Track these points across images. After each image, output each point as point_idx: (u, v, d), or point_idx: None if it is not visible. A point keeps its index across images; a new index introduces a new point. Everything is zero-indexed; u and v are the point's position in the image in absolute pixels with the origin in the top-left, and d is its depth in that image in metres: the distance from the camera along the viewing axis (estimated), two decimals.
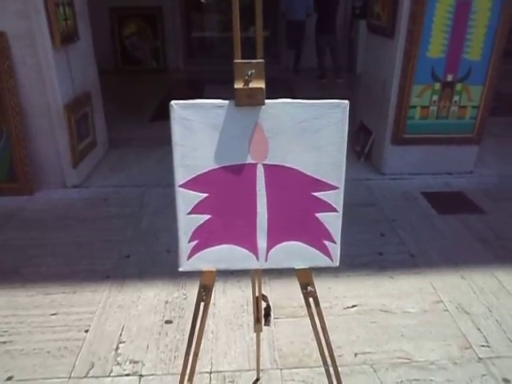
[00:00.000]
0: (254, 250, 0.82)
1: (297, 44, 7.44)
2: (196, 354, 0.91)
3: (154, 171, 3.56)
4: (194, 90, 6.64)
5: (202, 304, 0.86)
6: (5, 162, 3.12)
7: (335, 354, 1.83)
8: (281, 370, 1.79)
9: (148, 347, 1.89)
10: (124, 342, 1.91)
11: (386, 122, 3.41)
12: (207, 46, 9.56)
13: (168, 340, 1.93)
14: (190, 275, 2.30)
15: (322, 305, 2.08)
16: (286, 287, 2.22)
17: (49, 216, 2.92)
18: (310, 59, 7.33)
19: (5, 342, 1.91)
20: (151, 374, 1.76)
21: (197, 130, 0.76)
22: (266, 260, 0.85)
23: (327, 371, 1.15)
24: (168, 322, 2.03)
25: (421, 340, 1.94)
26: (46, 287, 2.24)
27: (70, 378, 1.74)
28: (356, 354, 1.87)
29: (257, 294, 1.16)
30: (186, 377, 0.88)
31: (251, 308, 1.69)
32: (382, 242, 2.69)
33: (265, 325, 1.24)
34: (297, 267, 0.87)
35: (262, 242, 0.82)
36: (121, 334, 1.95)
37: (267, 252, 0.84)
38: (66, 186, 3.28)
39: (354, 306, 2.15)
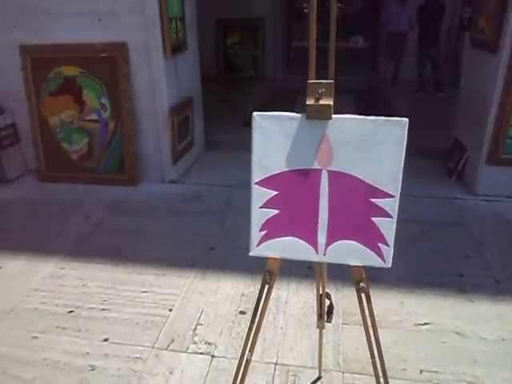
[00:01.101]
0: (314, 244, 0.93)
1: (397, 55, 7.29)
2: (258, 328, 1.04)
3: (243, 173, 3.74)
4: (287, 99, 6.83)
5: (266, 286, 0.98)
6: (117, 156, 3.56)
7: (399, 367, 1.87)
8: (343, 373, 1.86)
9: (222, 332, 2.07)
10: (201, 324, 2.12)
11: (483, 140, 3.26)
12: (305, 56, 9.74)
13: (240, 329, 2.09)
14: None
15: (391, 318, 2.11)
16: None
17: (148, 206, 3.28)
18: (410, 71, 7.13)
19: (104, 310, 2.22)
20: (222, 357, 1.93)
21: (273, 137, 0.90)
22: (324, 254, 0.95)
23: (374, 363, 1.20)
24: (242, 312, 2.20)
25: (494, 368, 1.87)
26: (141, 268, 2.54)
27: (153, 347, 1.98)
28: (421, 371, 1.86)
29: (320, 292, 1.26)
30: (248, 347, 1.01)
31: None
32: (465, 263, 2.60)
33: (326, 321, 1.33)
34: (351, 264, 0.96)
35: (321, 238, 0.93)
36: (199, 317, 2.16)
37: (326, 247, 0.94)
38: (165, 180, 3.65)
39: (425, 324, 2.12)
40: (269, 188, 0.89)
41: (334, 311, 2.15)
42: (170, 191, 3.52)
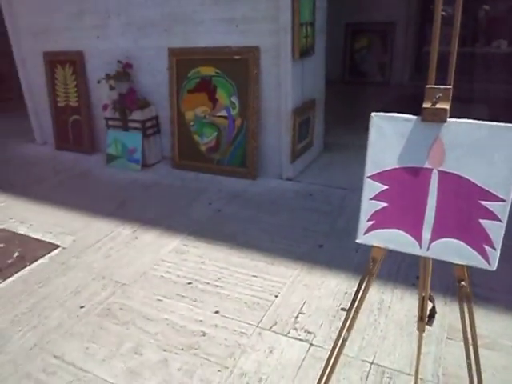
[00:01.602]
0: (418, 238, 0.97)
1: None
2: (357, 312, 1.12)
3: (359, 177, 3.79)
4: (412, 106, 6.58)
5: (368, 277, 1.06)
6: (241, 151, 3.86)
7: None
8: None
9: (322, 324, 2.16)
10: (303, 313, 2.23)
11: None
12: (441, 62, 9.21)
13: (340, 324, 2.15)
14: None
15: (504, 342, 2.00)
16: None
17: (264, 199, 3.50)
18: None
19: (217, 286, 2.47)
20: (320, 346, 2.03)
21: (388, 135, 0.97)
22: (427, 250, 0.99)
23: (469, 365, 1.19)
24: (343, 309, 2.26)
25: None
26: (253, 254, 2.74)
27: (257, 326, 2.15)
28: None
29: (423, 294, 1.28)
30: (346, 327, 1.10)
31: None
32: None
33: (427, 324, 1.34)
34: (454, 262, 0.97)
35: (426, 234, 0.97)
36: (302, 307, 2.28)
37: (430, 243, 0.98)
38: (282, 177, 3.84)
39: None
40: (380, 182, 0.97)
41: (440, 324, 2.10)
42: (286, 188, 3.70)
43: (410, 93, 7.56)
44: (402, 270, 2.53)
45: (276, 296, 2.37)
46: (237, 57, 3.67)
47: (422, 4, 8.08)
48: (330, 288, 2.43)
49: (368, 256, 2.67)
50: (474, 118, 0.91)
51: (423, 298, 1.27)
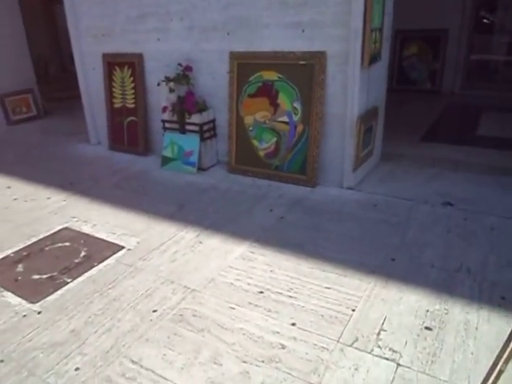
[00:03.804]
0: None
1: None
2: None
3: (423, 189, 3.67)
4: (468, 116, 6.35)
5: None
6: (301, 157, 3.79)
7: None
8: None
9: (406, 343, 2.05)
10: (385, 330, 2.13)
11: None
12: (490, 70, 8.90)
13: (426, 344, 2.04)
14: (453, 293, 2.36)
15: None
16: None
17: (327, 208, 3.41)
18: None
19: (291, 297, 2.39)
20: (407, 367, 1.92)
21: None
22: None
23: None
24: (427, 328, 2.14)
25: None
26: (322, 265, 2.66)
27: (338, 341, 2.07)
28: None
29: None
30: (504, 358, 1.00)
31: None
32: None
33: None
34: None
35: None
36: (383, 323, 2.18)
37: None
38: (343, 186, 3.74)
39: None
40: None
41: None
42: (348, 197, 3.60)
43: (462, 101, 7.33)
44: (484, 290, 2.39)
45: (353, 310, 2.27)
46: (302, 62, 3.61)
47: (475, 11, 7.84)
48: (410, 304, 2.31)
49: (445, 273, 2.55)
50: None
51: None
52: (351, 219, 3.22)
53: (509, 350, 1.03)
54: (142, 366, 1.99)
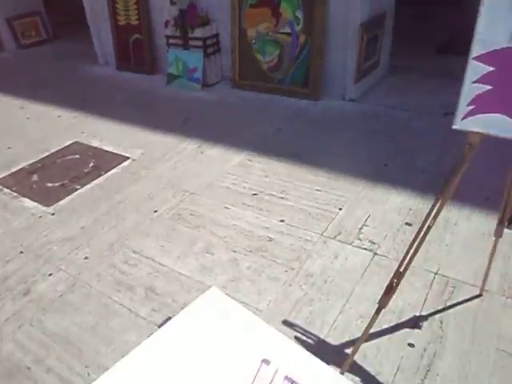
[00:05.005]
0: None
1: None
2: (445, 199, 1.12)
3: (426, 100, 3.63)
4: None
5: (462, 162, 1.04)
6: (303, 70, 3.75)
7: None
8: (506, 297, 1.83)
9: (386, 236, 2.19)
10: (367, 226, 2.27)
11: None
12: None
13: (404, 237, 2.18)
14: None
15: None
16: None
17: (327, 120, 3.45)
18: None
19: (282, 198, 2.54)
20: (384, 256, 2.08)
21: (499, 12, 0.90)
22: None
23: None
24: (408, 224, 2.27)
25: None
26: (316, 171, 2.77)
27: (321, 235, 2.23)
28: None
29: (506, 195, 1.26)
30: (432, 214, 1.11)
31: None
32: None
33: (507, 227, 1.33)
34: None
35: None
36: (366, 220, 2.31)
37: None
38: (345, 98, 3.73)
39: None
40: (486, 64, 0.92)
41: (509, 241, 2.06)
42: (349, 108, 3.60)
43: None
44: (471, 191, 2.46)
45: (340, 209, 2.41)
46: None
47: None
48: (395, 204, 2.43)
49: (435, 177, 2.62)
50: None
51: (508, 195, 1.25)
52: (350, 129, 3.26)
53: (438, 204, 1.12)
54: (142, 255, 2.22)
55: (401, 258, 2.04)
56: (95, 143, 3.44)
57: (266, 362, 0.96)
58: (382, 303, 1.24)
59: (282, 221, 2.35)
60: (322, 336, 1.71)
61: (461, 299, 1.84)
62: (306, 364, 0.96)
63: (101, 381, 0.91)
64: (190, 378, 0.93)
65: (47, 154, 3.37)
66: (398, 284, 1.23)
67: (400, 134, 3.15)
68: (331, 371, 0.95)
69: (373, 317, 1.30)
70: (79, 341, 1.81)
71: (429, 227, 1.12)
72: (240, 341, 1.01)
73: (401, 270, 1.21)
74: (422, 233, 1.13)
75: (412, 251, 1.19)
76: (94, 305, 1.97)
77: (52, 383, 1.65)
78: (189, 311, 1.07)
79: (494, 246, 1.50)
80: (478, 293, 1.86)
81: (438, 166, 2.71)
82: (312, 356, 0.97)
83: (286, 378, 0.93)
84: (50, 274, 2.17)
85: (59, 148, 3.44)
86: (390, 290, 1.22)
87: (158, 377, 0.93)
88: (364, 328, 1.41)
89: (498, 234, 1.42)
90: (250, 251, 2.17)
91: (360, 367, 1.59)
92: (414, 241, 1.19)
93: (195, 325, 1.04)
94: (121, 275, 2.11)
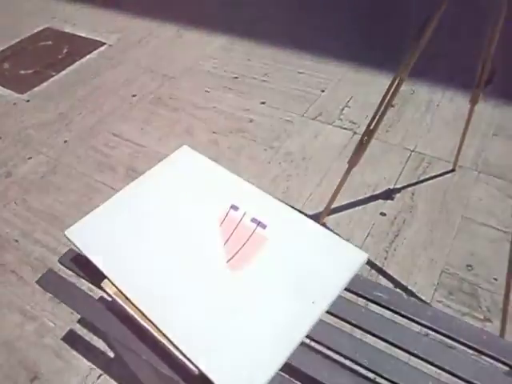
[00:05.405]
0: None
1: None
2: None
3: None
4: None
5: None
6: None
7: None
8: (479, 172, 1.88)
9: (367, 117, 2.18)
10: (349, 107, 2.25)
11: None
12: None
13: (385, 117, 2.17)
14: (423, 76, 2.39)
15: None
16: None
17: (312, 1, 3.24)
18: None
19: (264, 81, 2.47)
20: None
21: None
22: None
23: None
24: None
25: None
26: (300, 53, 2.65)
27: (302, 116, 2.21)
28: None
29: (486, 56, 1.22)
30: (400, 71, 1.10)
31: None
32: None
33: (484, 87, 1.31)
34: None
35: None
36: (348, 101, 2.28)
37: None
38: None
39: None
40: None
41: (488, 122, 2.06)
42: None
43: None
44: (456, 76, 2.41)
45: (322, 91, 2.36)
46: None
47: None
48: (380, 87, 2.36)
49: (421, 59, 2.52)
50: None
51: (485, 60, 1.22)
52: (339, 10, 3.07)
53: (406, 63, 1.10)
54: (122, 138, 2.21)
55: (380, 136, 2.08)
56: (68, 28, 3.23)
57: (234, 207, 1.00)
58: (352, 162, 1.27)
59: (263, 103, 2.32)
60: (297, 207, 1.78)
61: (434, 174, 1.90)
62: (274, 209, 1.00)
63: (77, 226, 0.95)
64: (163, 222, 0.97)
65: (17, 40, 3.18)
66: (368, 141, 1.25)
67: (391, 15, 2.98)
68: (298, 215, 0.99)
69: (343, 176, 1.34)
70: (64, 215, 1.86)
71: (397, 79, 1.09)
72: (210, 190, 1.04)
73: (371, 127, 1.21)
74: (394, 87, 1.11)
75: (382, 108, 1.18)
76: (76, 184, 2.00)
77: (40, 252, 1.73)
78: (161, 165, 1.09)
79: (470, 113, 1.50)
80: (451, 168, 1.91)
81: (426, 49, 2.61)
82: (281, 203, 1.00)
83: (253, 219, 0.97)
84: (30, 158, 2.16)
85: (29, 34, 3.23)
86: (360, 147, 1.23)
87: (131, 224, 0.96)
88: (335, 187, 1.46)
89: (474, 99, 1.41)
90: (231, 132, 2.16)
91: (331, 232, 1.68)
92: (381, 103, 1.18)
93: (167, 177, 1.06)
94: (101, 157, 2.12)
